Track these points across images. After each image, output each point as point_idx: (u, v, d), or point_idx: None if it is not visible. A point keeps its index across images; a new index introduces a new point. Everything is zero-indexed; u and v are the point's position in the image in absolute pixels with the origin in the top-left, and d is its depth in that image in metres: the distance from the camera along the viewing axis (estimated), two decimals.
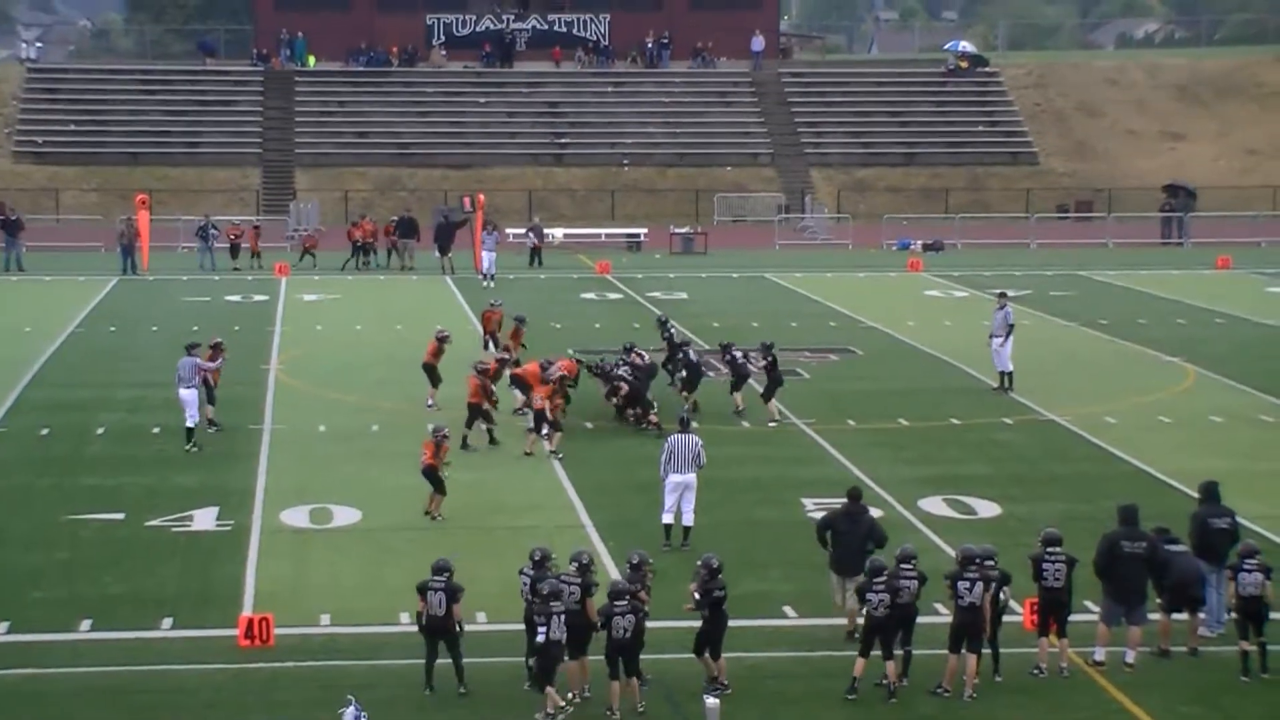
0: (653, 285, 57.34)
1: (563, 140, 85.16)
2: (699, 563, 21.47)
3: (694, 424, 28.04)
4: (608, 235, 73.06)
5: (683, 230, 71.67)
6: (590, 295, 53.64)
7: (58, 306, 52.49)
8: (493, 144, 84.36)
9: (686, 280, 58.64)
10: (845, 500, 23.99)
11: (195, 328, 47.15)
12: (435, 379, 37.25)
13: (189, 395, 33.34)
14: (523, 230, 66.11)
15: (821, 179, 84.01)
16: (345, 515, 28.92)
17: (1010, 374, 39.51)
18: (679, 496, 27.10)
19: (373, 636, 22.83)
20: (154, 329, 46.74)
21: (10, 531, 27.93)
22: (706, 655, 21.18)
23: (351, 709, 19.69)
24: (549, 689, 20.31)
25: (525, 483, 31.09)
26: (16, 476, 31.55)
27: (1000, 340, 39.28)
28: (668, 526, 27.13)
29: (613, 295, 55.70)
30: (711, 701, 20.14)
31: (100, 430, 35.14)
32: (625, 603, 20.63)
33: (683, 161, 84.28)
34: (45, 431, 35.15)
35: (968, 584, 21.09)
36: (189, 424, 33.37)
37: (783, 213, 78.24)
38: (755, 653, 22.26)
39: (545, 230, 68.11)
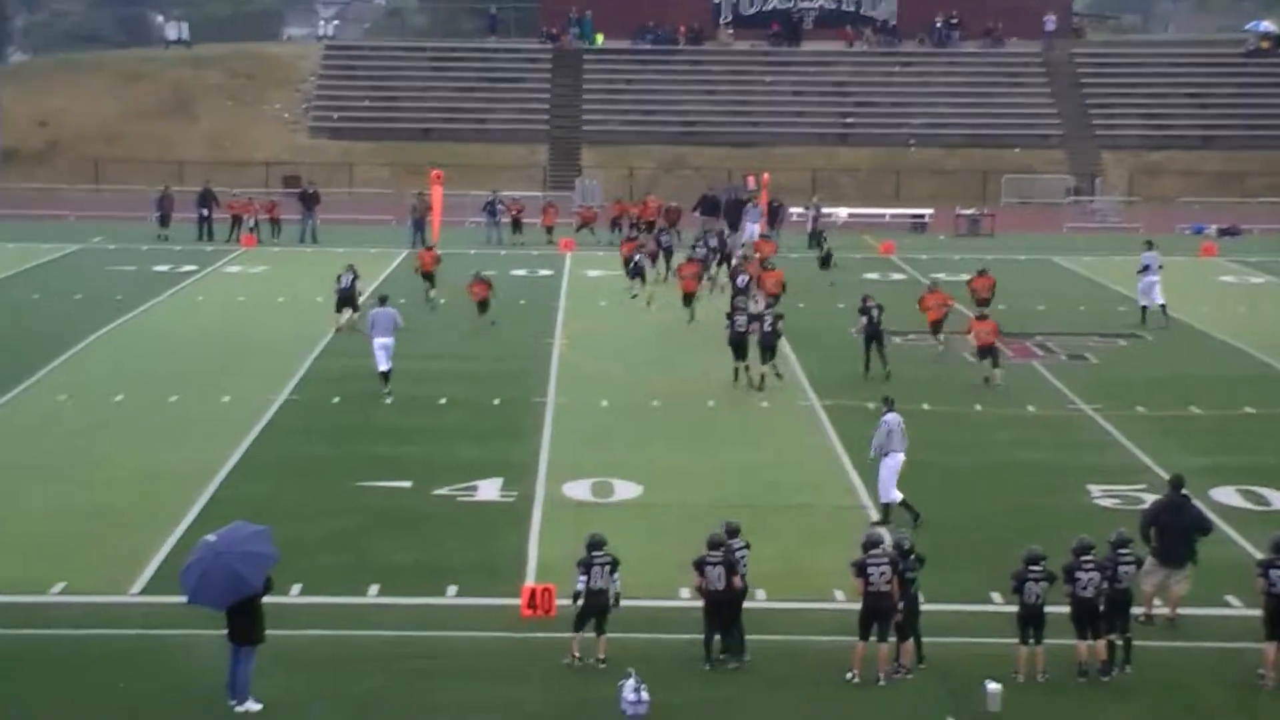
0: (937, 267, 56.65)
1: (849, 120, 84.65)
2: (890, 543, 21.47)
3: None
4: (892, 216, 72.42)
5: (969, 212, 70.81)
6: (873, 275, 53.15)
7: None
8: (778, 123, 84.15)
9: (971, 262, 57.69)
10: (1168, 489, 23.43)
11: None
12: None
13: (386, 342, 36.09)
14: (803, 209, 65.80)
15: (1113, 161, 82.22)
16: (626, 490, 29.10)
17: (1157, 308, 45.51)
18: (896, 475, 27.00)
19: (652, 610, 22.85)
20: (441, 301, 47.50)
21: (305, 496, 28.64)
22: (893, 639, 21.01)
23: (631, 681, 19.79)
24: (582, 636, 21.04)
25: (804, 462, 30.96)
26: (309, 444, 32.35)
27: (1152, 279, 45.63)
28: (888, 506, 27.06)
29: (896, 276, 55.23)
30: (993, 686, 19.87)
31: (389, 400, 35.83)
32: (1040, 568, 20.69)
33: (970, 142, 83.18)
34: (336, 400, 35.97)
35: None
36: (383, 366, 36.10)
37: (1072, 195, 76.86)
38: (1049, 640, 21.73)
39: (827, 210, 67.74)
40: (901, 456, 27.11)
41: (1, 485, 29.07)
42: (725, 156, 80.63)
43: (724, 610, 21.10)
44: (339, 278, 43.97)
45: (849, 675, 20.72)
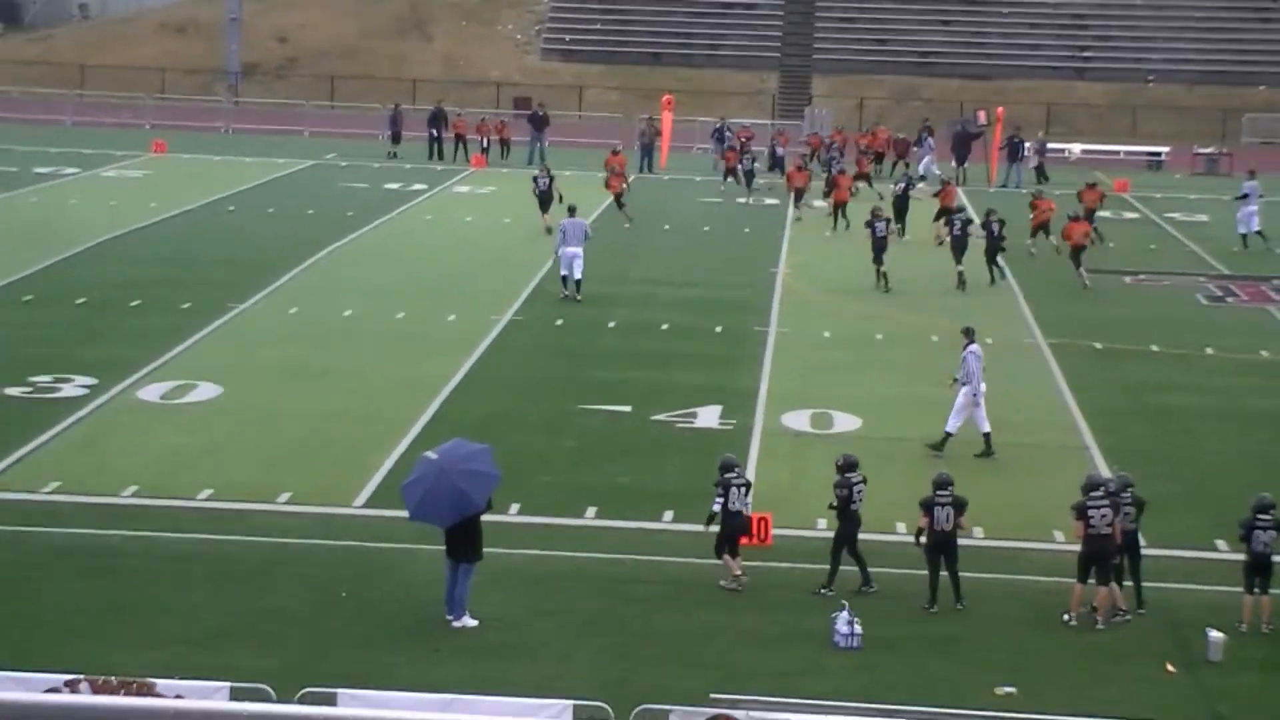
0: (1172, 206, 55.46)
1: (1086, 53, 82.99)
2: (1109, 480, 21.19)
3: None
4: (1127, 153, 70.94)
5: (1207, 150, 69.07)
6: (1105, 214, 52.10)
7: (575, 201, 53.78)
8: (1013, 55, 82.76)
9: (1208, 203, 56.49)
10: None
11: (706, 228, 47.87)
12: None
13: (575, 252, 37.90)
14: (1035, 145, 64.69)
15: None
16: (845, 422, 28.94)
17: (1249, 235, 47.23)
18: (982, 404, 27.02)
19: (868, 544, 22.60)
20: (666, 227, 47.53)
21: (525, 416, 28.92)
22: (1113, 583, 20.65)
23: (844, 614, 19.74)
24: (727, 558, 21.20)
25: (1029, 401, 30.51)
26: (532, 364, 32.63)
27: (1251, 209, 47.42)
28: (987, 435, 26.90)
29: (1129, 215, 54.17)
30: (1215, 635, 19.49)
31: (611, 324, 36.02)
32: (1269, 516, 20.32)
33: (1211, 79, 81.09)
34: (560, 322, 36.22)
35: None
36: (575, 275, 37.87)
37: None
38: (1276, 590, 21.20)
39: (1060, 146, 66.60)
40: (983, 387, 26.93)
41: (230, 395, 29.72)
42: (958, 89, 79.50)
43: (948, 551, 20.90)
44: (535, 179, 47.09)
45: (1066, 617, 20.46)
